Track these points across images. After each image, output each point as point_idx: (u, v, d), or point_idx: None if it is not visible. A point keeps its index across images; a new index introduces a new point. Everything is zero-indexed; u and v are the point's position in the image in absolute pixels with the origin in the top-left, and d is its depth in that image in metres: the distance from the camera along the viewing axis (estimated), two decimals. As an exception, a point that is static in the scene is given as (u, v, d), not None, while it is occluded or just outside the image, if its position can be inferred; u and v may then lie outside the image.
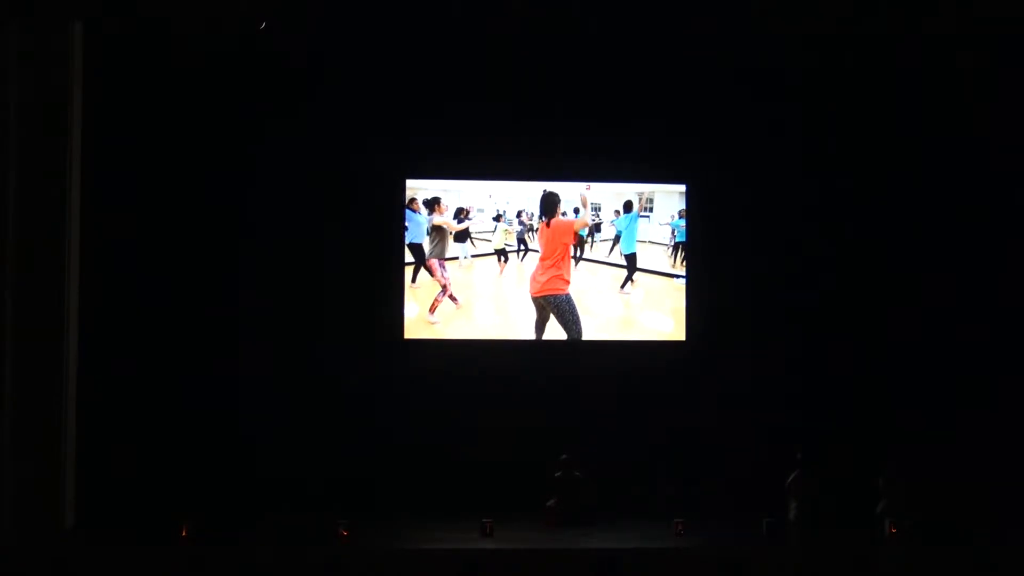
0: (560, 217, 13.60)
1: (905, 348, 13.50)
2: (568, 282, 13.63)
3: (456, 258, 13.68)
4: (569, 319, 13.59)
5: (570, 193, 13.65)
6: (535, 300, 13.67)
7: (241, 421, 13.23)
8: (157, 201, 13.20)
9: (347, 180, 13.56)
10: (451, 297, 13.62)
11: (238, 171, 13.40)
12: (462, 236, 13.59)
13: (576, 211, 13.63)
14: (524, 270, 13.74)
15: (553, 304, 13.60)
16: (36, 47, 11.96)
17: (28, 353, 11.87)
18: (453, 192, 13.66)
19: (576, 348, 13.70)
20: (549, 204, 13.59)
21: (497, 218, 13.60)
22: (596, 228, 13.70)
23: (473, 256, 13.70)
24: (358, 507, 12.44)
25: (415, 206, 13.55)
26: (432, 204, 13.54)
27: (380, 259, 13.63)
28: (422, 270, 13.58)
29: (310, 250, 13.51)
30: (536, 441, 13.16)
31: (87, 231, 12.44)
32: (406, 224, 13.51)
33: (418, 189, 13.56)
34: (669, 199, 13.77)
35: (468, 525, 11.94)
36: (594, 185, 13.73)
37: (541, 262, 13.64)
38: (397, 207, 13.62)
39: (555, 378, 13.62)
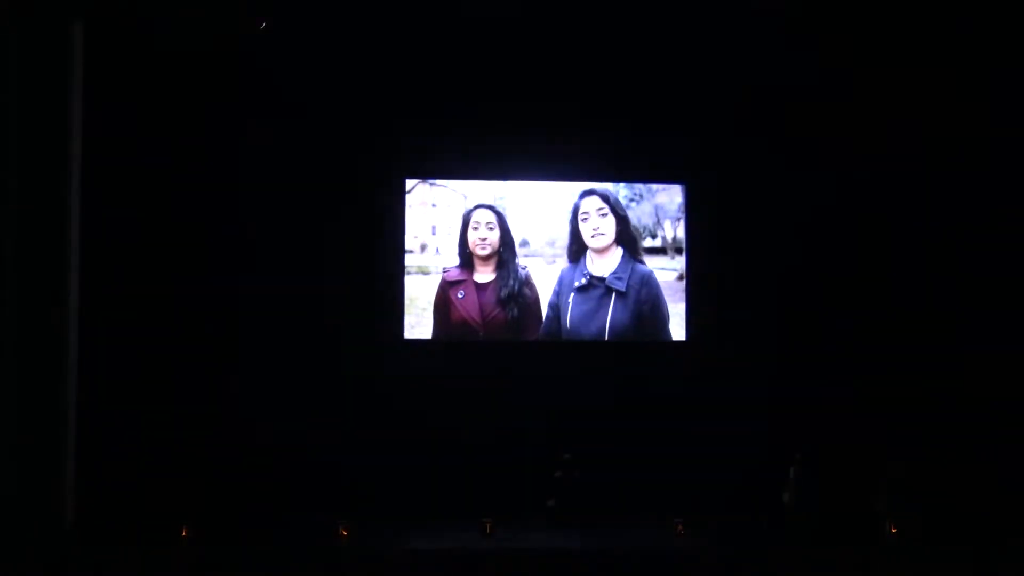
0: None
1: (906, 347, 13.49)
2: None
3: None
4: None
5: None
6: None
7: (241, 421, 13.22)
8: (157, 202, 13.22)
9: (347, 180, 13.57)
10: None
11: (238, 171, 13.41)
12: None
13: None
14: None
15: None
16: (36, 47, 11.96)
17: (28, 353, 11.86)
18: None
19: (577, 348, 13.70)
20: None
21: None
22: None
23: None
24: (358, 507, 12.46)
25: None
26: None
27: (380, 259, 13.63)
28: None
29: (310, 250, 13.52)
30: (536, 441, 13.17)
31: (87, 231, 12.44)
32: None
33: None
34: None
35: (468, 525, 11.95)
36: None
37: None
38: (397, 207, 13.63)
39: (555, 378, 13.62)
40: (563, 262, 13.72)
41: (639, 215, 13.78)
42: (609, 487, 12.91)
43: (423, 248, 13.69)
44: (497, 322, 13.67)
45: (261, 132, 13.34)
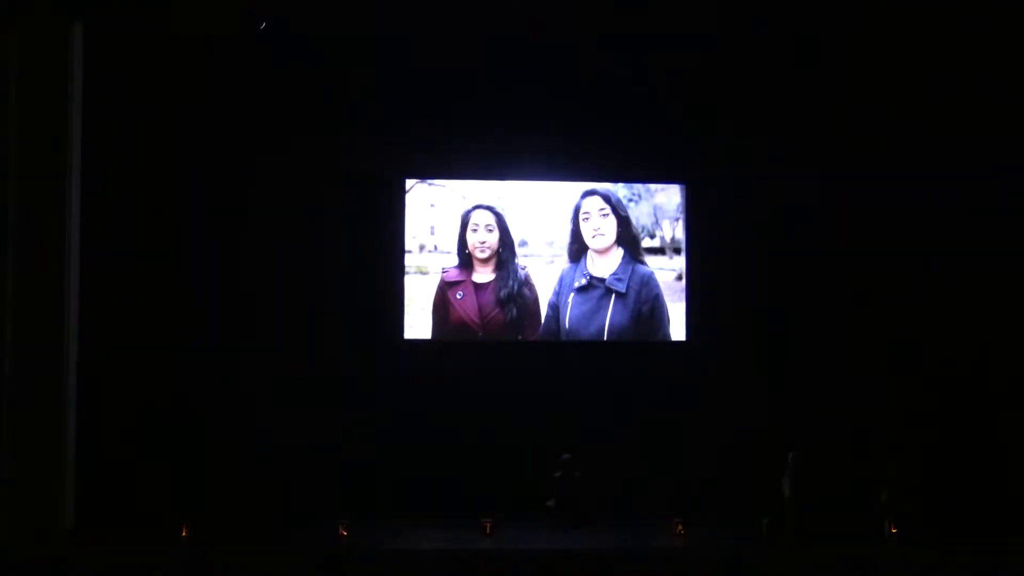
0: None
1: (905, 347, 13.49)
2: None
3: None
4: None
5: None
6: None
7: (241, 421, 13.21)
8: (157, 202, 13.21)
9: (347, 180, 13.56)
10: None
11: (238, 171, 13.41)
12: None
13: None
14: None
15: None
16: (36, 47, 11.96)
17: (28, 353, 11.86)
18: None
19: (577, 349, 13.69)
20: None
21: None
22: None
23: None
24: (358, 507, 12.45)
25: None
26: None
27: (380, 259, 13.63)
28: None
29: (310, 250, 13.51)
30: (536, 442, 13.16)
31: (87, 232, 12.43)
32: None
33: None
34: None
35: (468, 525, 11.94)
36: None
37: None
38: (397, 207, 13.62)
39: (555, 378, 13.61)
40: (562, 262, 13.71)
41: (638, 215, 13.77)
42: (609, 487, 12.91)
43: (421, 248, 13.68)
44: (496, 322, 13.66)
45: (260, 131, 13.32)
